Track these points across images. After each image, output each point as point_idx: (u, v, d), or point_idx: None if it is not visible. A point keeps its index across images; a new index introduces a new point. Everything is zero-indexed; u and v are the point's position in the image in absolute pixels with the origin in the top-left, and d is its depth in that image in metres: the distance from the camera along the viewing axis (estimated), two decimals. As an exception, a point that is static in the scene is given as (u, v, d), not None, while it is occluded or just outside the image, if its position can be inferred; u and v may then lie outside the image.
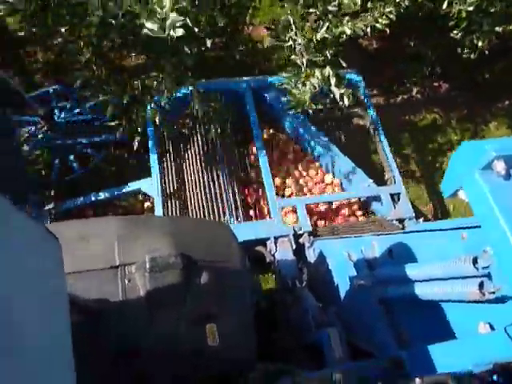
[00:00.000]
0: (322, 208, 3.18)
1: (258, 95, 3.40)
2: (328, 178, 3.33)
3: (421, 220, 2.95)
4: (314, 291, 2.54)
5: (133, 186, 3.00)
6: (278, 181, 3.22)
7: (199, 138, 3.20)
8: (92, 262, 1.74)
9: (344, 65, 2.44)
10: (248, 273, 2.10)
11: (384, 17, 2.21)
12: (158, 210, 2.84)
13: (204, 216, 2.94)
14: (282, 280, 2.74)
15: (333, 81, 2.35)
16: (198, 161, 3.12)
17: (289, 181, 3.24)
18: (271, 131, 3.51)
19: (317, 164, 3.43)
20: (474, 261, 1.36)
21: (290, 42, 2.40)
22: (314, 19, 2.33)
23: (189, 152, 3.16)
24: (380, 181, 3.21)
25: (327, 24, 2.24)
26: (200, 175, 3.07)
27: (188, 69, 2.43)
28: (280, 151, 3.43)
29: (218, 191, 3.04)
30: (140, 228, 1.92)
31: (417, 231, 2.01)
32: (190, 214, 2.94)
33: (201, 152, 3.16)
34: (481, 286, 1.35)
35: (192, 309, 1.75)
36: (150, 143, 3.08)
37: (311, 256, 2.84)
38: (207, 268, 1.81)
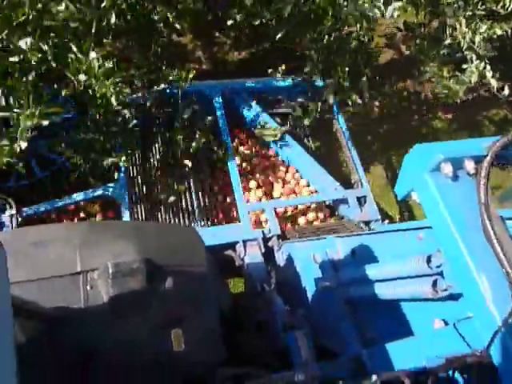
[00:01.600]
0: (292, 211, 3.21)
1: (230, 100, 3.42)
2: (301, 181, 3.37)
3: (386, 222, 3.02)
4: (282, 294, 2.56)
5: (99, 190, 2.95)
6: (247, 184, 3.24)
7: (166, 141, 3.18)
8: (52, 269, 1.70)
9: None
10: (214, 277, 2.10)
11: None
12: (125, 215, 2.80)
13: (172, 220, 2.92)
14: (251, 284, 2.74)
15: (489, 74, 2.69)
16: (166, 164, 3.10)
17: (256, 184, 3.26)
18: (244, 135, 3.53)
19: (287, 168, 3.47)
20: (428, 260, 1.41)
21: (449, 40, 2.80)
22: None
23: (156, 155, 3.13)
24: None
25: (485, 26, 2.61)
26: (168, 179, 3.05)
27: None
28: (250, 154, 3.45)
29: (186, 195, 3.02)
30: (103, 233, 1.88)
31: (377, 232, 2.06)
32: (158, 218, 2.91)
33: (169, 155, 3.14)
34: (434, 284, 1.40)
35: (156, 314, 1.73)
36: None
37: (280, 259, 2.86)
38: (172, 273, 1.79)
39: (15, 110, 1.99)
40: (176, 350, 1.71)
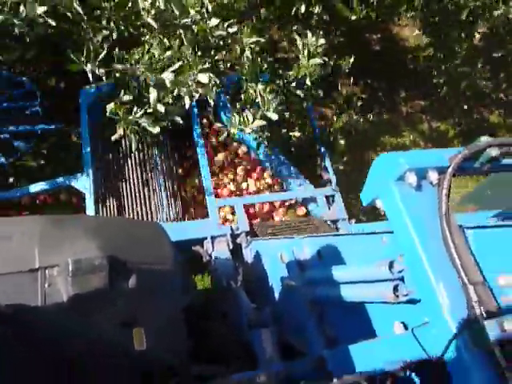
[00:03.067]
0: (261, 208, 3.21)
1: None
2: (268, 178, 3.37)
3: (353, 221, 3.07)
4: (249, 291, 2.56)
5: (63, 181, 2.85)
6: (217, 179, 3.21)
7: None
8: (8, 264, 1.63)
9: None
10: (180, 273, 2.08)
11: None
12: (90, 208, 2.72)
13: (140, 215, 2.86)
14: (218, 280, 2.74)
15: None
16: (135, 157, 3.02)
17: (227, 179, 3.24)
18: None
19: (258, 165, 3.45)
20: (390, 265, 1.44)
21: None
22: None
23: (124, 147, 3.05)
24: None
25: None
26: (136, 172, 2.98)
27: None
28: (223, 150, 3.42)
29: (155, 189, 2.96)
30: (65, 228, 1.82)
31: (344, 234, 2.09)
32: (125, 213, 2.84)
33: (138, 148, 3.06)
34: (395, 289, 1.43)
35: (118, 312, 1.70)
36: (83, 135, 2.93)
37: (248, 256, 2.86)
38: (136, 270, 1.76)
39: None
40: (137, 348, 1.68)
